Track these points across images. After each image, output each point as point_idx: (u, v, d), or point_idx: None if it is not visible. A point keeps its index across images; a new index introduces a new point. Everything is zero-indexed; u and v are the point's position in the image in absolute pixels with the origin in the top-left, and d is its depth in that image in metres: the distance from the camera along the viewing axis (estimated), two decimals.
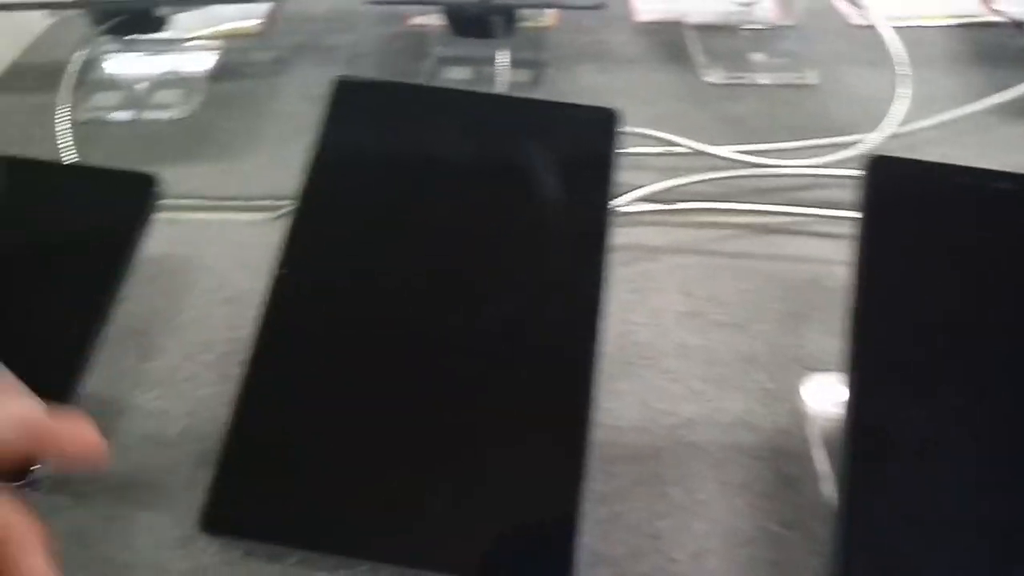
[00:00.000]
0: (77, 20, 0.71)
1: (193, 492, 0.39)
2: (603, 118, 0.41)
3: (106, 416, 0.42)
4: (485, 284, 0.39)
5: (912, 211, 0.37)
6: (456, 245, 0.40)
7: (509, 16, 0.57)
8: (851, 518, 0.32)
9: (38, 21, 0.71)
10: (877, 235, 0.36)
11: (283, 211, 0.56)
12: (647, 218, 0.52)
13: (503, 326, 0.38)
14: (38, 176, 0.43)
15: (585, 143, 0.41)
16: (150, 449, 0.41)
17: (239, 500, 0.35)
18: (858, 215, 0.37)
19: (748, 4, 0.66)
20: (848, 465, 0.32)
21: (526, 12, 0.61)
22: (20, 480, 0.32)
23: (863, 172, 0.37)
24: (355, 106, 0.43)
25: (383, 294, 0.39)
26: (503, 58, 0.54)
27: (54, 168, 0.43)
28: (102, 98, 0.64)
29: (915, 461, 0.32)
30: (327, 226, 0.40)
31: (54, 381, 0.38)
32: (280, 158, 0.60)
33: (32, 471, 0.32)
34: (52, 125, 0.61)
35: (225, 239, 0.53)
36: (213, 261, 0.51)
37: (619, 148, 0.41)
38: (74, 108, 0.62)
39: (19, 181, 0.42)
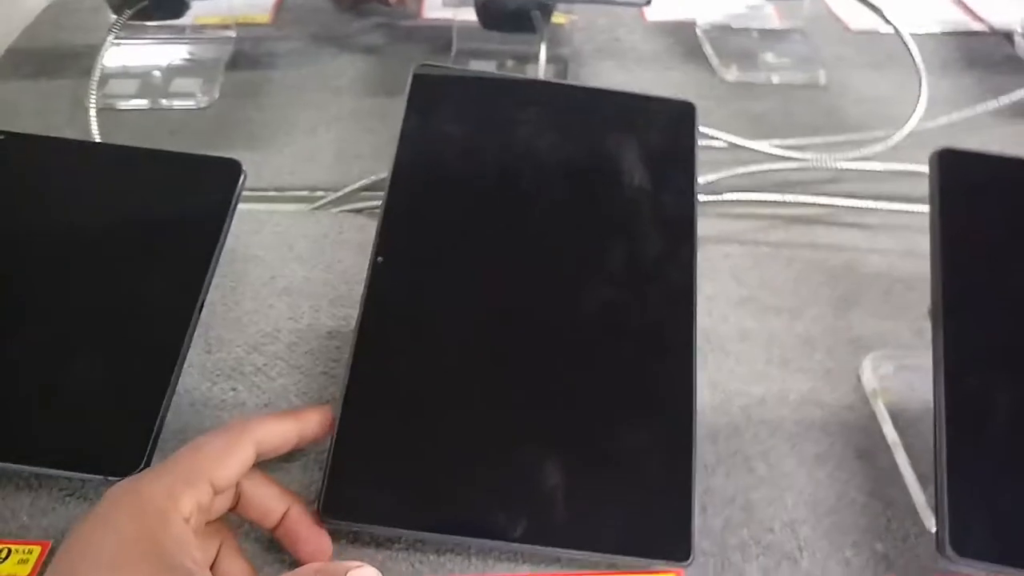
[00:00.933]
0: (73, 4, 0.69)
1: (285, 482, 0.38)
2: (682, 109, 0.43)
3: (181, 409, 0.41)
4: (583, 269, 0.40)
5: (980, 197, 0.40)
6: (549, 231, 0.40)
7: (547, 11, 0.58)
8: (953, 482, 0.34)
9: (34, 4, 0.68)
10: (951, 220, 0.39)
11: (322, 202, 0.56)
12: None
13: (604, 309, 0.39)
14: (117, 161, 0.42)
15: (668, 133, 0.42)
16: None
17: (356, 486, 0.35)
18: (930, 202, 0.40)
19: (757, 6, 0.69)
20: (948, 433, 0.35)
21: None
22: None
23: (932, 163, 0.40)
24: (435, 96, 0.43)
25: (480, 280, 0.39)
26: (543, 52, 0.55)
27: (132, 152, 0.42)
28: (117, 86, 0.62)
29: (1009, 425, 0.35)
30: (419, 214, 0.41)
31: (155, 373, 0.37)
32: (312, 148, 0.60)
33: None
34: (66, 112, 0.59)
35: (268, 230, 0.52)
36: (261, 252, 0.51)
37: (697, 143, 0.42)
38: (85, 95, 0.60)
39: (102, 166, 0.40)
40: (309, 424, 0.36)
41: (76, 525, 0.31)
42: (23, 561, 0.35)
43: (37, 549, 0.35)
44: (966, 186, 0.40)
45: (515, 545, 0.35)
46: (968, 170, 0.40)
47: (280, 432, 0.35)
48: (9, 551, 0.35)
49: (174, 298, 0.38)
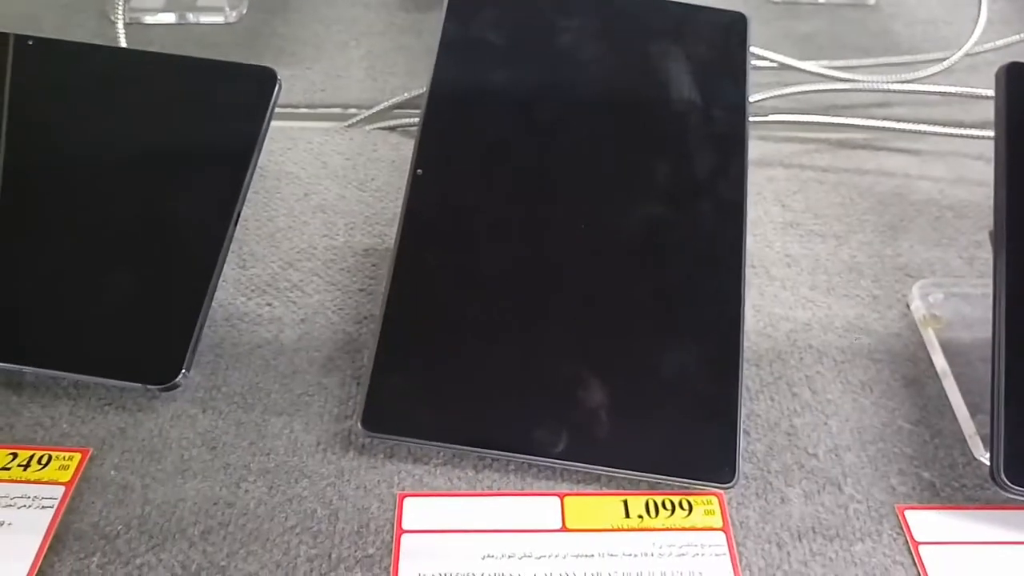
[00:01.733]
0: None
1: (323, 397, 0.39)
2: (733, 21, 0.41)
3: (217, 323, 0.41)
4: (630, 183, 0.38)
5: None
6: (594, 144, 0.39)
7: None
8: (1010, 408, 0.33)
9: None
10: (1017, 137, 0.37)
11: (355, 119, 0.54)
12: None
13: (651, 225, 0.38)
14: (150, 68, 0.40)
15: (719, 45, 0.40)
16: (269, 356, 0.40)
17: (395, 400, 0.35)
18: (995, 119, 0.38)
19: None
20: (1006, 359, 0.34)
21: None
22: None
23: (999, 78, 0.38)
24: (474, 7, 0.41)
25: (522, 194, 0.38)
26: None
27: (165, 60, 0.40)
28: None
29: None
30: (459, 126, 0.39)
31: (192, 283, 0.37)
32: (344, 65, 0.59)
33: None
34: (91, 27, 0.58)
35: (302, 147, 0.51)
36: (295, 168, 0.50)
37: (749, 54, 0.41)
38: (110, 9, 0.58)
39: (135, 73, 0.39)
40: None
41: None
42: (63, 467, 0.35)
43: (77, 456, 0.35)
44: None
45: (555, 462, 0.35)
46: None
47: None
48: (50, 457, 0.35)
49: (210, 207, 0.38)
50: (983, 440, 0.37)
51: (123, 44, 0.52)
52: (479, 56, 0.41)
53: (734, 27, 0.41)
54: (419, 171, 0.38)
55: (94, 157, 0.40)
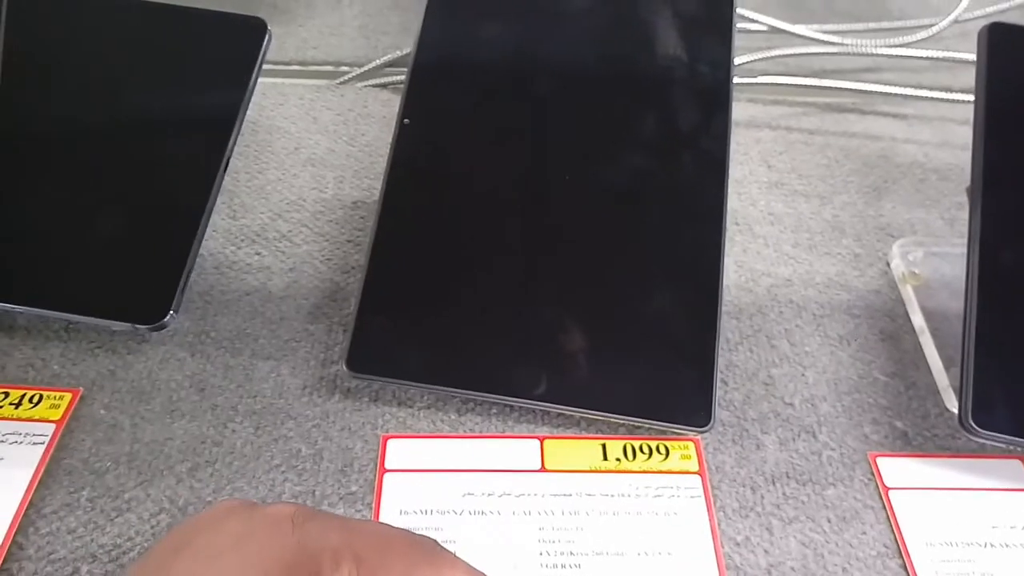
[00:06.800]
0: None
1: (309, 343, 0.39)
2: None
3: (206, 271, 0.42)
4: (614, 134, 0.39)
5: None
6: (580, 96, 0.40)
7: None
8: (980, 354, 0.34)
9: None
10: (996, 96, 0.37)
11: (347, 77, 0.55)
12: None
13: (634, 175, 0.38)
14: (141, 17, 0.41)
15: (705, 3, 0.41)
16: (257, 303, 0.41)
17: (380, 342, 0.36)
18: (976, 77, 0.38)
19: None
20: (978, 306, 0.34)
21: None
22: None
23: (981, 38, 0.39)
24: None
25: (508, 143, 0.39)
26: None
27: (157, 9, 0.41)
28: None
29: None
30: (447, 76, 0.40)
31: (182, 226, 0.37)
32: (336, 22, 0.59)
33: None
34: None
35: (293, 103, 0.52)
36: (285, 123, 0.50)
37: (735, 13, 0.41)
38: None
39: (126, 22, 0.40)
40: None
41: None
42: (54, 406, 0.36)
43: (68, 396, 0.36)
44: (1014, 62, 0.39)
45: (535, 403, 0.36)
46: (1017, 46, 0.39)
47: None
48: (41, 396, 0.36)
49: (200, 153, 0.38)
50: (956, 392, 0.37)
51: None
52: (467, 8, 0.41)
53: None
54: (406, 120, 0.39)
55: (86, 103, 0.40)
